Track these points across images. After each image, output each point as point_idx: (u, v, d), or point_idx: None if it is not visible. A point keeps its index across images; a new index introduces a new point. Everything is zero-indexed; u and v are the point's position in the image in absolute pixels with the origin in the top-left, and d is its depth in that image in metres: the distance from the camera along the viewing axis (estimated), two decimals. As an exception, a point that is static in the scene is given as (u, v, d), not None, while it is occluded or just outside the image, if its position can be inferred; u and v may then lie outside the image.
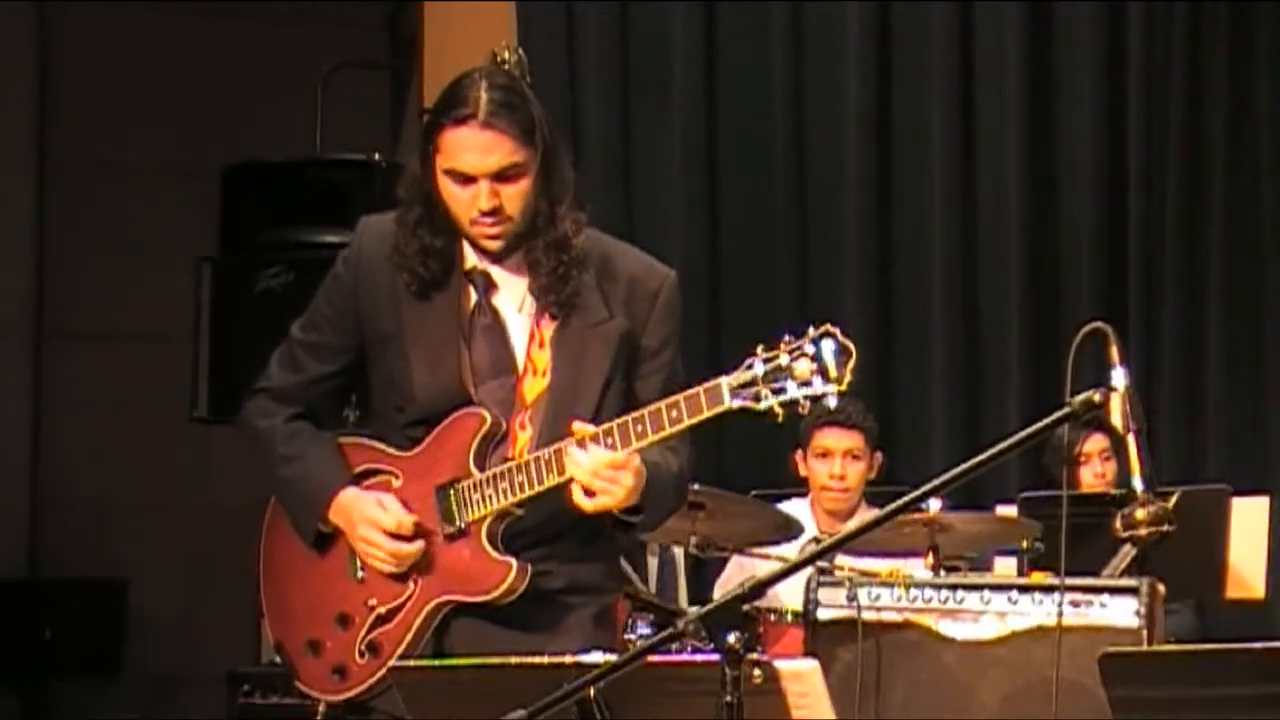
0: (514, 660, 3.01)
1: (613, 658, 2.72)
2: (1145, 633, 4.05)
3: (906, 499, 2.68)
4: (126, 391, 7.02)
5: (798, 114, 6.76)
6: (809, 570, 4.38)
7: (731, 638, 2.58)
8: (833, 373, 3.02)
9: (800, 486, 5.57)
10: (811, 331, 3.06)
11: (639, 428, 3.12)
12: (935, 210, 6.58)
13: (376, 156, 6.39)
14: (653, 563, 5.66)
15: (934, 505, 4.58)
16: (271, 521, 3.43)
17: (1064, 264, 6.49)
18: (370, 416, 3.40)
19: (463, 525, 3.23)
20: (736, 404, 3.06)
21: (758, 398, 3.04)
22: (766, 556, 4.97)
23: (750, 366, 3.05)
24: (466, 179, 3.18)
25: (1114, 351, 2.80)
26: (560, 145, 3.28)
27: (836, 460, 5.43)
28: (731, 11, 6.81)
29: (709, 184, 6.80)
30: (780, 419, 3.06)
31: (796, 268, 6.74)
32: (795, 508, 5.37)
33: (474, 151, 3.17)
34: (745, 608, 4.52)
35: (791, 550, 4.97)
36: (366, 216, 3.38)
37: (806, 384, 3.02)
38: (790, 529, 5.04)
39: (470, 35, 6.50)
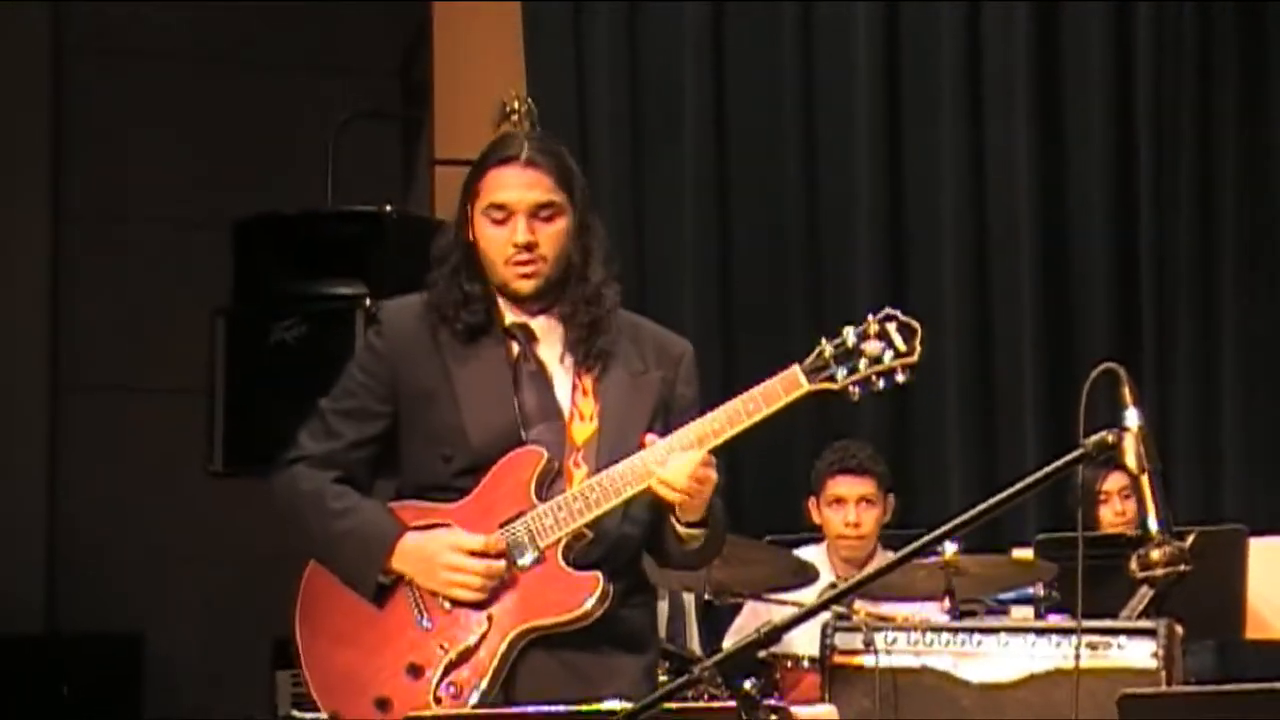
0: (531, 710, 3.01)
1: (628, 705, 2.72)
2: (1164, 674, 4.04)
3: (923, 541, 2.68)
4: (142, 444, 7.02)
5: (809, 148, 6.76)
6: (825, 616, 4.37)
7: (748, 683, 2.58)
8: (902, 347, 3.12)
9: (815, 533, 5.56)
10: (872, 315, 3.20)
11: (715, 425, 3.20)
12: (947, 250, 6.58)
13: (388, 208, 6.40)
14: (663, 609, 5.64)
15: (950, 548, 4.57)
16: (310, 586, 3.41)
17: (1076, 302, 6.48)
18: (405, 486, 3.41)
19: (541, 550, 3.25)
20: (813, 386, 3.15)
21: (832, 378, 3.17)
22: (782, 603, 4.96)
23: (820, 351, 3.16)
24: (506, 215, 3.29)
25: (1126, 392, 2.80)
26: (594, 206, 3.40)
27: (850, 508, 5.42)
28: (740, 42, 6.83)
29: (720, 224, 6.81)
30: (856, 398, 3.18)
31: (809, 304, 6.73)
32: (811, 554, 5.36)
33: (516, 187, 3.30)
34: (761, 654, 4.51)
35: (807, 597, 4.96)
36: (385, 301, 3.48)
37: (877, 360, 3.15)
38: (806, 575, 5.03)
39: (481, 84, 6.53)
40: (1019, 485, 2.69)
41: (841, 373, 3.18)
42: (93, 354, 7.17)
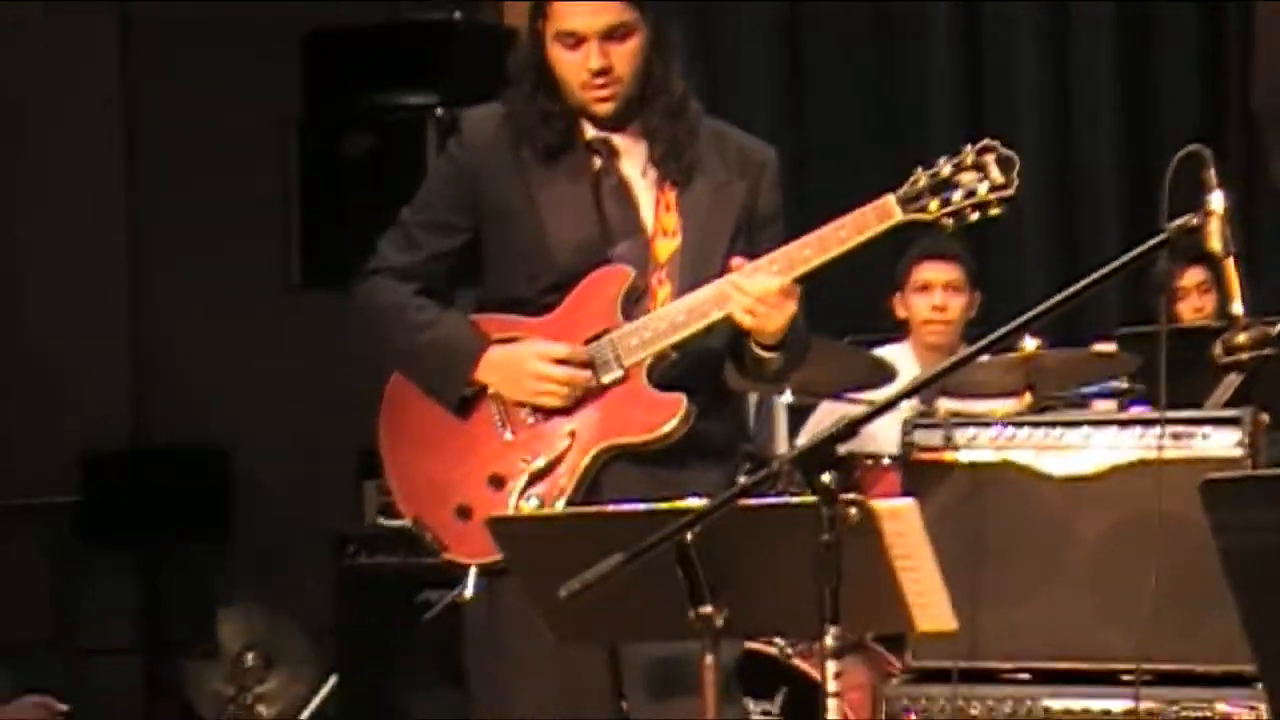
0: (609, 509, 3.03)
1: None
2: (1249, 462, 4.01)
3: (1003, 330, 2.66)
4: (221, 257, 7.04)
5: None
6: (906, 413, 4.36)
7: (826, 477, 2.58)
8: (999, 179, 3.09)
9: (894, 331, 5.54)
10: (970, 147, 3.15)
11: (806, 252, 3.19)
12: (1023, 36, 6.45)
13: (457, 15, 6.34)
14: (750, 410, 5.65)
15: (1030, 343, 4.54)
16: (393, 397, 3.42)
17: (1160, 79, 6.37)
18: (489, 299, 3.40)
19: (625, 369, 3.25)
20: (906, 216, 3.14)
21: (925, 209, 3.14)
22: (858, 401, 4.95)
23: (915, 180, 3.15)
24: (577, 40, 3.24)
25: (1210, 175, 2.74)
26: (667, 20, 3.33)
27: (937, 293, 5.41)
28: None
29: (793, 64, 6.70)
30: (951, 228, 3.16)
31: (882, 101, 6.63)
32: (893, 353, 5.34)
33: (583, 12, 3.23)
34: (841, 451, 4.49)
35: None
36: (467, 110, 3.44)
37: (972, 192, 3.10)
38: (884, 373, 5.01)
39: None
40: (1099, 273, 2.65)
41: (935, 203, 3.14)
42: (168, 168, 7.18)
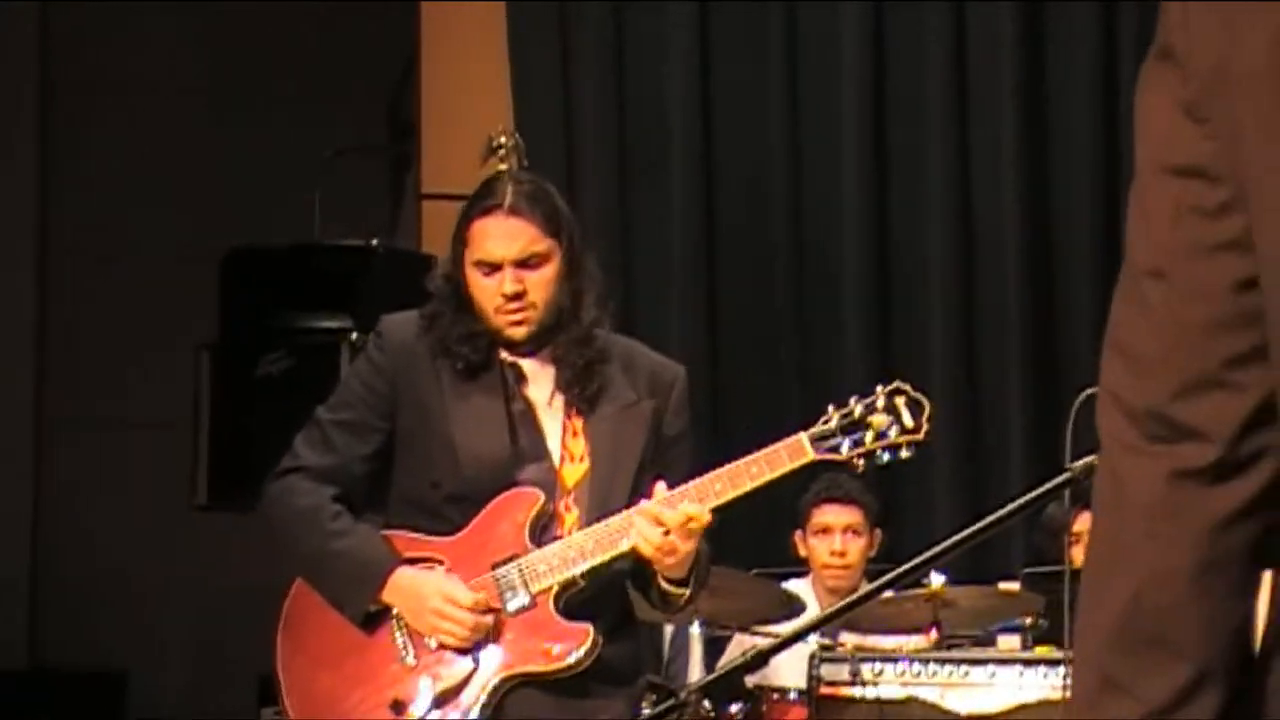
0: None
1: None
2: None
3: (908, 566, 2.68)
4: (126, 478, 7.00)
5: (795, 198, 6.78)
6: (812, 647, 4.36)
7: (734, 707, 2.57)
8: (909, 423, 3.14)
9: (800, 567, 5.54)
10: (881, 388, 3.22)
11: (718, 485, 3.22)
12: (935, 283, 6.60)
13: (375, 242, 6.40)
14: (666, 642, 5.62)
15: (937, 580, 4.56)
16: (296, 607, 3.40)
17: (1061, 329, 6.51)
18: (391, 504, 3.41)
19: (532, 596, 3.25)
20: (818, 455, 3.17)
21: (837, 449, 3.17)
22: (770, 635, 4.94)
23: (827, 420, 3.22)
24: (492, 267, 3.29)
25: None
26: (586, 245, 3.40)
27: (837, 536, 5.41)
28: (728, 83, 6.85)
29: (708, 264, 6.81)
30: (861, 470, 3.24)
31: (797, 345, 6.74)
32: (796, 588, 5.34)
33: (499, 238, 3.29)
34: (749, 684, 4.49)
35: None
36: (387, 315, 3.47)
37: (883, 434, 3.16)
38: (793, 607, 5.01)
39: (469, 119, 6.53)
40: (1002, 511, 2.68)
41: (847, 444, 3.21)
42: (79, 387, 7.15)
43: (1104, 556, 1.45)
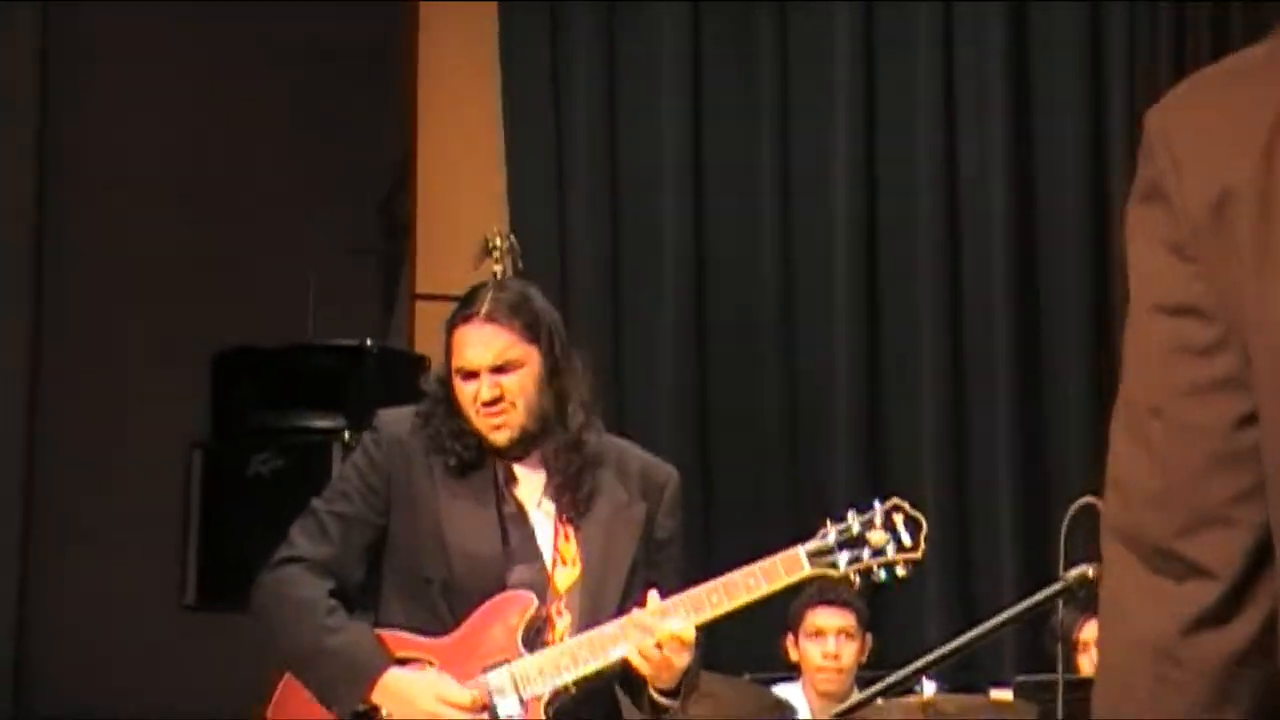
0: None
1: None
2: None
3: (901, 674, 2.66)
4: (114, 578, 6.95)
5: (787, 296, 6.81)
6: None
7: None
8: (907, 542, 3.17)
9: (791, 671, 5.52)
10: (879, 505, 3.25)
11: (714, 598, 3.23)
12: (924, 383, 6.61)
13: (368, 342, 6.41)
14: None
15: (929, 688, 4.53)
16: (283, 700, 3.39)
17: (1052, 433, 6.51)
18: (384, 596, 3.41)
19: (524, 702, 3.24)
20: (814, 570, 3.18)
21: (834, 565, 3.19)
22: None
23: (825, 535, 3.24)
24: (470, 374, 3.34)
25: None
26: (570, 350, 3.43)
27: (830, 639, 5.39)
28: (721, 190, 6.89)
29: (699, 366, 6.82)
30: (856, 586, 3.26)
31: (786, 453, 6.74)
32: (788, 693, 5.31)
33: (475, 345, 3.34)
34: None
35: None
36: (383, 409, 3.52)
37: (880, 552, 3.20)
38: (783, 712, 4.99)
39: (463, 221, 6.57)
40: (996, 619, 2.67)
41: (844, 560, 3.24)
42: (67, 486, 7.12)
43: (1114, 696, 1.44)
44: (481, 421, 3.33)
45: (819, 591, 5.39)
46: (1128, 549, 1.40)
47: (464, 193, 6.99)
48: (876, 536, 3.22)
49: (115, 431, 7.00)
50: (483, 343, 3.33)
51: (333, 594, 3.37)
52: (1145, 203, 1.41)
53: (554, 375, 3.37)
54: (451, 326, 3.39)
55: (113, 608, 6.94)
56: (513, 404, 3.32)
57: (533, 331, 3.36)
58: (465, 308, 3.40)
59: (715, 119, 6.84)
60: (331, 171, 7.32)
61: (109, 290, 7.19)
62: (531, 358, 3.35)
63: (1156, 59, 6.57)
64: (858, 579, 3.25)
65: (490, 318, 3.34)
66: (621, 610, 3.26)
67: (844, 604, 5.40)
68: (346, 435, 6.11)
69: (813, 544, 3.24)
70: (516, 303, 3.38)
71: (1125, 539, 1.41)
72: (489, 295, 3.38)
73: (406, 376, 5.54)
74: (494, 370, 3.32)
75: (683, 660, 3.20)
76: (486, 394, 3.32)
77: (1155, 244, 1.40)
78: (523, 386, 3.33)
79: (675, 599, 3.23)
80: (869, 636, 5.48)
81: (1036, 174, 6.74)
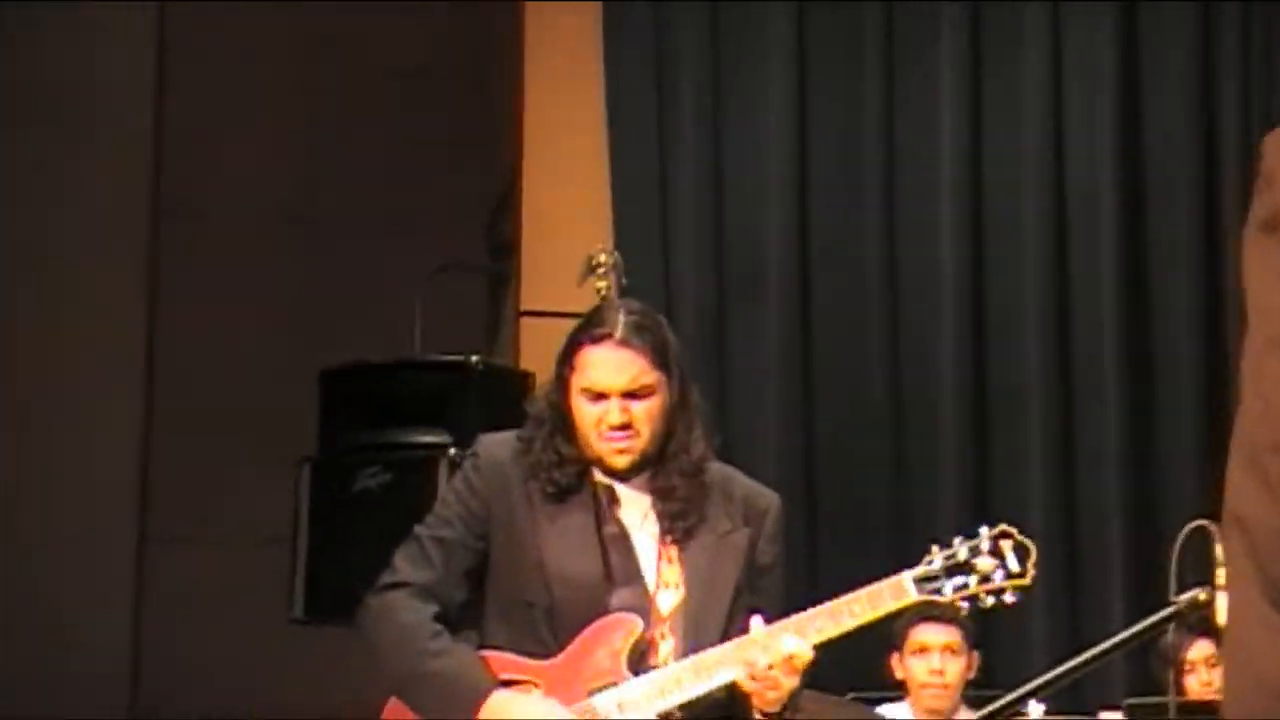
0: None
1: None
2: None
3: (1008, 699, 2.64)
4: (225, 593, 7.03)
5: (891, 318, 6.77)
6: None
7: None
8: (1015, 568, 3.13)
9: (896, 690, 5.49)
10: (986, 530, 3.19)
11: (819, 623, 3.21)
12: (1031, 406, 6.55)
13: (474, 359, 6.44)
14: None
15: (1036, 710, 4.49)
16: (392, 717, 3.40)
17: (1162, 458, 6.44)
18: (487, 621, 3.42)
19: None
20: (921, 597, 3.16)
21: (940, 590, 3.16)
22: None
23: (931, 561, 3.18)
24: (599, 396, 3.31)
25: (1218, 549, 2.76)
26: (690, 376, 3.41)
27: (935, 656, 5.36)
28: (827, 211, 6.86)
29: (804, 392, 6.79)
30: (963, 613, 3.18)
31: (891, 478, 6.69)
32: (894, 712, 5.28)
33: (609, 368, 3.31)
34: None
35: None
36: (485, 434, 3.51)
37: (987, 579, 3.15)
38: (891, 733, 4.96)
39: (568, 238, 6.58)
40: (1106, 644, 2.65)
41: (950, 587, 3.21)
42: (180, 500, 7.21)
43: None
44: (603, 444, 3.32)
45: (924, 609, 5.34)
46: (1253, 588, 1.37)
47: (569, 209, 7.01)
48: (984, 563, 3.19)
49: (228, 447, 7.07)
50: (616, 366, 3.30)
51: (437, 618, 3.37)
52: (1266, 232, 1.38)
53: (679, 403, 3.36)
54: (578, 345, 3.36)
55: (225, 620, 7.01)
56: (639, 431, 3.32)
57: (662, 358, 3.34)
58: (596, 327, 3.36)
59: (819, 121, 6.82)
60: (439, 189, 7.37)
61: (221, 309, 7.28)
62: (661, 386, 3.33)
63: (1271, 59, 6.50)
64: (965, 605, 3.21)
65: (625, 341, 3.31)
66: (725, 636, 3.24)
67: (949, 620, 5.37)
68: (452, 451, 6.14)
69: (919, 570, 3.22)
70: (648, 326, 3.36)
71: (1248, 576, 1.38)
72: (619, 318, 3.35)
73: (511, 393, 5.57)
74: (625, 395, 3.31)
75: (791, 683, 3.19)
76: (616, 419, 3.30)
77: (1277, 276, 1.37)
78: (650, 414, 3.32)
79: (781, 624, 3.22)
80: (975, 654, 5.44)
81: (1147, 189, 6.67)
